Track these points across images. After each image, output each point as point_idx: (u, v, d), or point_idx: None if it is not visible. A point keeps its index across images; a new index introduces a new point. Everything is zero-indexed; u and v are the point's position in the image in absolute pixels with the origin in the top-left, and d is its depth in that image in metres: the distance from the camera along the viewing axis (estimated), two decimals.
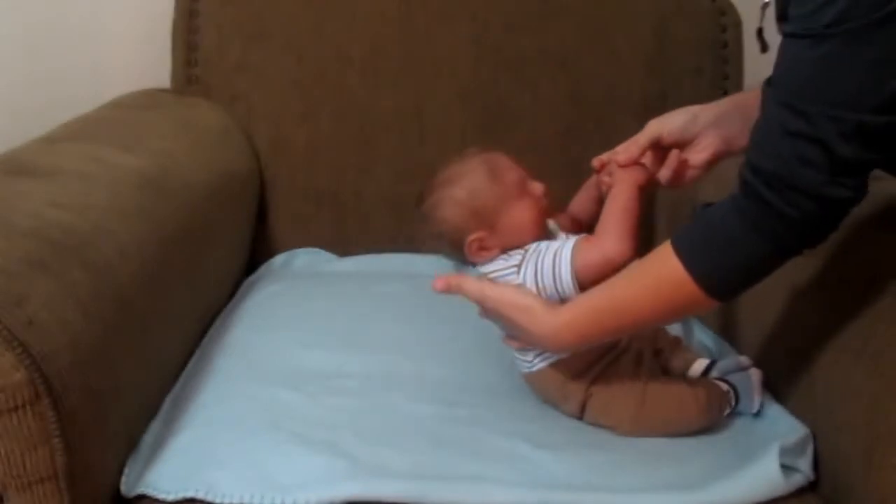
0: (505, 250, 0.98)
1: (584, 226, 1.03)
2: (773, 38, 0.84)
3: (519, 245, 0.98)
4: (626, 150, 0.98)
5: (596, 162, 1.01)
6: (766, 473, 0.87)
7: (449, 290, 0.95)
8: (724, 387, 1.00)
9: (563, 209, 1.08)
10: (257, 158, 1.47)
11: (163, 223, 1.08)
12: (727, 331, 1.18)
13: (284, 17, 1.48)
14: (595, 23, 1.50)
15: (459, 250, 0.99)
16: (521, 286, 0.95)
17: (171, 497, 0.85)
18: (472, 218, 0.98)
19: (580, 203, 1.07)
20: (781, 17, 0.80)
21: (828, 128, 0.75)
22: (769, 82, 0.80)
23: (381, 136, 1.48)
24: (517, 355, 1.01)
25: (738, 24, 1.51)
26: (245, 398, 1.00)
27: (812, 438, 0.92)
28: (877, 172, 0.82)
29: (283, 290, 1.33)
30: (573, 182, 1.08)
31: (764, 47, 0.93)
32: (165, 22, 1.47)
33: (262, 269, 1.44)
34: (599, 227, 0.96)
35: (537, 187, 1.00)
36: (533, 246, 0.98)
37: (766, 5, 0.88)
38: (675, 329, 1.12)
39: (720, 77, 1.52)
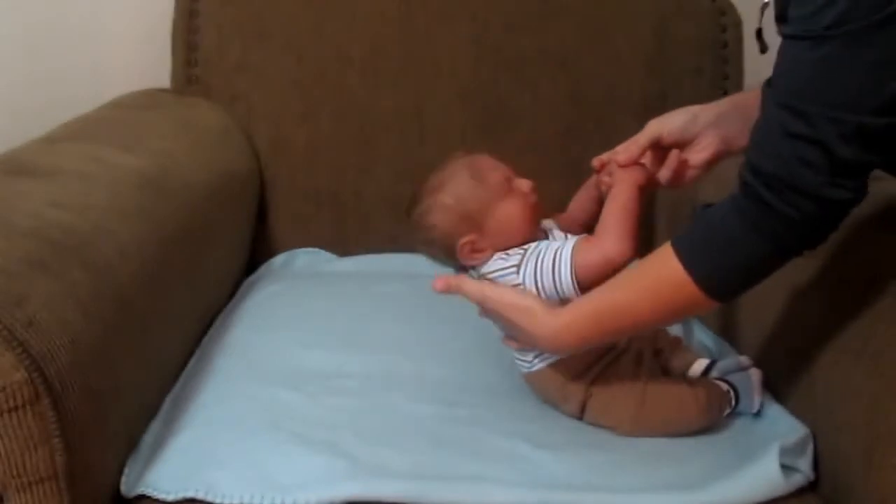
0: (498, 250, 0.98)
1: (584, 226, 1.03)
2: (773, 38, 0.84)
3: (512, 244, 0.98)
4: (626, 150, 0.98)
5: (596, 162, 1.01)
6: (766, 473, 0.87)
7: (449, 291, 0.95)
8: (724, 387, 1.00)
9: (563, 209, 1.08)
10: (257, 158, 1.47)
11: (163, 223, 1.08)
12: (727, 331, 1.18)
13: (284, 17, 1.48)
14: (595, 23, 1.50)
15: (453, 255, 0.99)
16: (520, 288, 0.95)
17: (171, 497, 0.85)
18: (460, 222, 0.98)
19: (580, 203, 1.07)
20: (781, 19, 0.80)
21: (828, 129, 0.75)
22: (769, 83, 0.80)
23: (381, 136, 1.48)
24: (517, 356, 1.01)
25: (738, 24, 1.51)
26: (245, 398, 1.00)
27: (812, 438, 0.92)
28: (877, 172, 0.82)
29: (283, 290, 1.33)
30: (573, 182, 1.08)
31: (763, 48, 0.93)
32: (165, 22, 1.47)
33: (262, 269, 1.44)
34: (599, 227, 0.96)
35: (523, 184, 1.00)
36: (533, 245, 0.98)
37: (765, 6, 0.88)
38: (675, 329, 1.12)
39: (720, 77, 1.52)
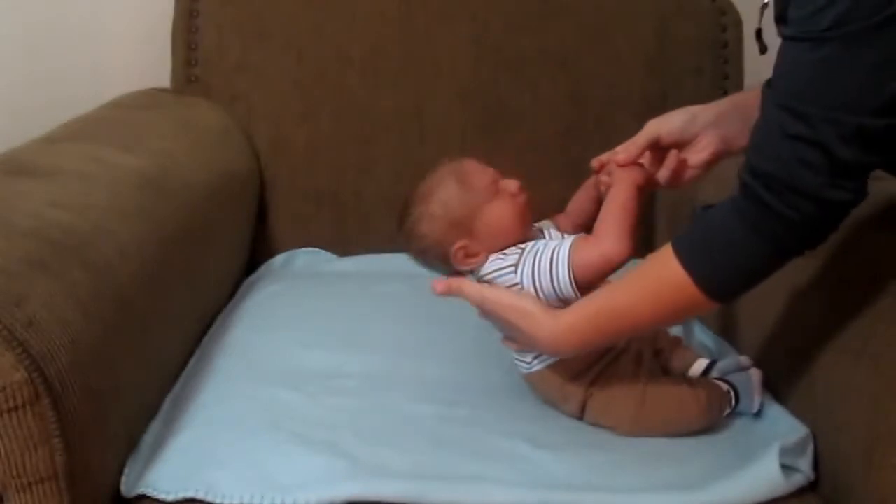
0: (492, 252, 0.98)
1: (583, 226, 1.03)
2: (773, 39, 0.84)
3: (505, 245, 0.98)
4: (625, 150, 0.98)
5: (595, 162, 1.01)
6: (767, 473, 0.87)
7: (449, 293, 0.95)
8: (725, 387, 1.00)
9: (563, 209, 1.08)
10: (257, 158, 1.47)
11: (163, 223, 1.08)
12: (727, 331, 1.18)
13: (284, 17, 1.48)
14: (595, 23, 1.50)
15: (447, 262, 0.99)
16: (518, 288, 0.95)
17: (171, 497, 0.85)
18: (451, 229, 0.98)
19: (578, 203, 1.07)
20: (780, 19, 0.80)
21: (827, 131, 0.75)
22: (769, 84, 0.80)
23: (381, 136, 1.48)
24: (516, 356, 1.01)
25: (738, 23, 1.51)
26: (245, 398, 1.00)
27: (812, 438, 0.92)
28: (877, 172, 0.82)
29: (283, 290, 1.33)
30: (573, 182, 1.08)
31: (763, 49, 0.93)
32: (165, 22, 1.47)
33: (262, 269, 1.44)
34: (598, 227, 0.96)
35: (510, 185, 1.00)
36: (530, 244, 0.98)
37: (764, 6, 0.88)
38: (675, 329, 1.12)
39: (720, 77, 1.52)
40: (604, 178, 1.00)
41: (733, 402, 0.99)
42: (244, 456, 0.89)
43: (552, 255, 0.95)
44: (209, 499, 0.85)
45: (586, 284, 0.94)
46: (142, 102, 1.43)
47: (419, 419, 0.98)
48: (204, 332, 1.19)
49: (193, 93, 1.47)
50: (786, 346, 1.04)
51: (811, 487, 0.90)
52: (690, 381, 1.01)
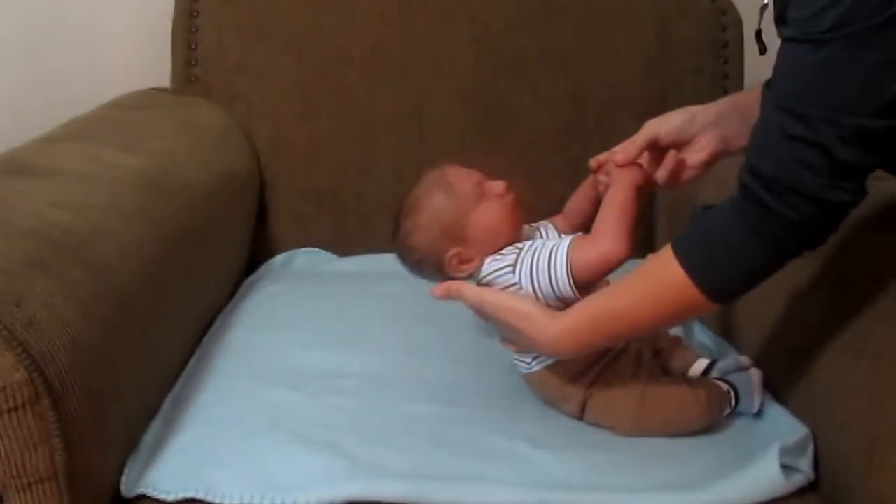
0: (486, 256, 0.98)
1: (581, 226, 1.03)
2: (773, 39, 0.84)
3: (498, 247, 0.98)
4: (623, 150, 0.98)
5: (593, 162, 1.01)
6: (767, 473, 0.87)
7: (449, 297, 0.95)
8: (725, 387, 1.00)
9: (562, 209, 1.08)
10: (257, 158, 1.47)
11: (163, 223, 1.08)
12: (727, 331, 1.18)
13: (284, 17, 1.48)
14: (595, 23, 1.50)
15: (443, 271, 0.99)
16: (516, 287, 0.95)
17: (171, 497, 0.85)
18: (441, 238, 0.98)
19: (576, 203, 1.07)
20: (780, 20, 0.80)
21: (827, 132, 0.75)
22: (768, 85, 0.80)
23: (381, 136, 1.48)
24: (515, 357, 1.01)
25: (738, 23, 1.51)
26: (245, 398, 1.00)
27: (812, 438, 0.92)
28: (877, 172, 0.82)
29: (283, 290, 1.33)
30: (573, 182, 1.08)
31: (762, 49, 0.93)
32: (165, 22, 1.47)
33: (262, 269, 1.44)
34: (597, 227, 0.96)
35: (496, 186, 1.00)
36: (528, 244, 0.98)
37: (764, 7, 0.88)
38: (675, 329, 1.12)
39: (720, 77, 1.52)
40: (602, 178, 1.00)
41: (733, 402, 0.99)
42: (244, 456, 0.89)
43: (550, 254, 0.95)
44: (209, 499, 0.85)
45: (584, 284, 0.94)
46: (142, 102, 1.43)
47: (419, 419, 0.98)
48: (204, 332, 1.19)
49: (193, 93, 1.47)
50: (786, 346, 1.04)
51: (811, 487, 0.90)
52: (690, 381, 1.01)
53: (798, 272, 0.96)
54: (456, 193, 0.99)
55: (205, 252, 1.20)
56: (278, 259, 1.47)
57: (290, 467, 0.87)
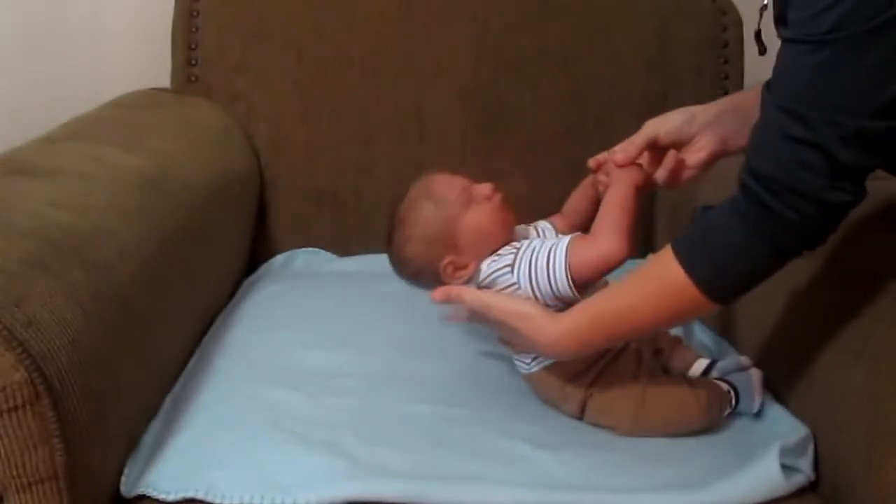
0: (481, 260, 0.98)
1: (579, 226, 1.04)
2: (772, 40, 0.84)
3: (492, 249, 0.98)
4: (623, 150, 0.99)
5: (592, 162, 1.01)
6: (767, 473, 0.87)
7: (449, 301, 0.96)
8: (725, 387, 1.00)
9: (560, 209, 1.08)
10: (257, 158, 1.47)
11: (163, 223, 1.08)
12: (727, 331, 1.18)
13: (284, 17, 1.48)
14: (595, 23, 1.50)
15: (440, 280, 0.99)
16: (514, 287, 0.95)
17: (171, 497, 0.85)
18: (434, 247, 0.98)
19: (575, 203, 1.07)
20: (779, 21, 0.80)
21: (827, 133, 0.75)
22: (768, 86, 0.80)
23: (381, 136, 1.48)
24: (515, 357, 1.02)
25: (738, 23, 1.51)
26: (245, 398, 1.00)
27: (812, 438, 0.92)
28: (877, 172, 0.82)
29: (283, 290, 1.33)
30: (573, 182, 1.08)
31: (762, 50, 0.93)
32: (165, 22, 1.47)
33: (262, 269, 1.44)
34: (596, 226, 0.96)
35: (483, 189, 1.00)
36: (525, 244, 0.98)
37: (764, 7, 0.88)
38: (675, 329, 1.12)
39: (720, 77, 1.52)
40: (602, 177, 1.00)
41: (733, 402, 0.99)
42: (244, 456, 0.89)
43: (549, 253, 0.95)
44: (209, 499, 0.85)
45: (583, 283, 0.94)
46: (142, 102, 1.43)
47: (419, 419, 0.98)
48: (204, 332, 1.19)
49: (193, 93, 1.47)
50: (786, 346, 1.04)
51: (811, 487, 0.90)
52: (690, 381, 1.01)
53: (798, 272, 0.96)
54: (442, 202, 0.99)
55: (205, 252, 1.20)
56: (278, 259, 1.47)
57: (290, 467, 0.87)
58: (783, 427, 0.95)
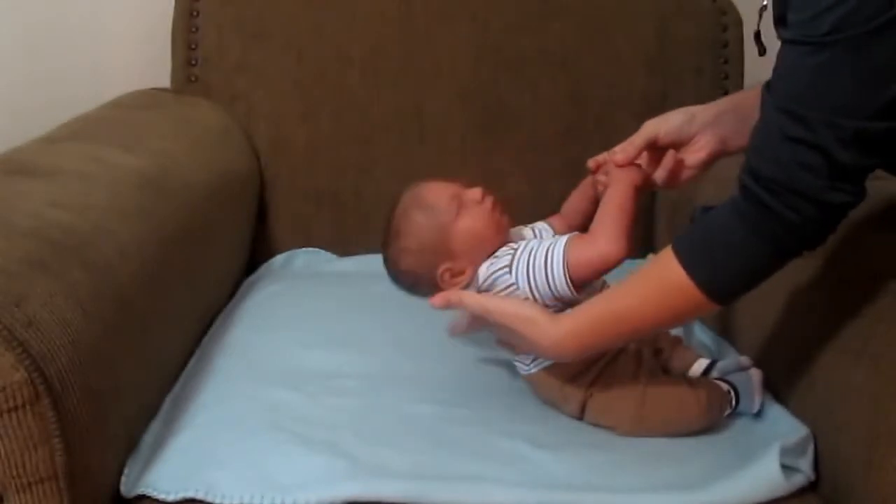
0: (477, 265, 0.98)
1: (578, 227, 1.03)
2: (772, 40, 0.84)
3: (488, 253, 0.98)
4: (622, 150, 0.99)
5: (591, 163, 1.01)
6: (767, 473, 0.87)
7: (449, 306, 0.96)
8: (725, 387, 1.00)
9: (559, 210, 1.08)
10: (257, 158, 1.47)
11: (163, 223, 1.08)
12: (727, 331, 1.18)
13: (284, 17, 1.48)
14: (595, 23, 1.50)
15: (438, 287, 0.99)
16: (513, 287, 0.95)
17: (171, 497, 0.85)
18: (429, 257, 0.98)
19: (574, 204, 1.07)
20: (779, 21, 0.80)
21: (827, 134, 0.75)
22: (768, 86, 0.80)
23: (381, 136, 1.48)
24: (514, 358, 1.02)
25: (738, 23, 1.51)
26: (245, 398, 1.00)
27: (812, 438, 0.92)
28: (877, 172, 0.82)
29: (283, 290, 1.33)
30: (573, 182, 1.08)
31: (761, 50, 0.93)
32: (165, 22, 1.47)
33: (262, 269, 1.44)
34: (595, 226, 0.96)
35: (473, 193, 1.00)
36: (523, 244, 0.98)
37: (763, 8, 0.88)
38: (675, 329, 1.12)
39: (720, 77, 1.52)
40: (601, 178, 1.00)
41: (733, 402, 0.99)
42: (244, 456, 0.89)
43: (547, 253, 0.95)
44: (209, 499, 0.85)
45: (581, 282, 0.94)
46: (142, 102, 1.43)
47: (419, 419, 0.98)
48: (204, 332, 1.19)
49: (193, 93, 1.47)
50: (786, 346, 1.04)
51: (811, 487, 0.90)
52: (690, 381, 1.01)
53: (798, 272, 0.96)
54: (433, 209, 0.99)
55: (205, 252, 1.20)
56: (278, 259, 1.47)
57: (290, 467, 0.87)
58: (783, 427, 0.95)
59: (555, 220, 1.07)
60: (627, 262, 0.94)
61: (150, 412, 0.98)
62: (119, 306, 0.90)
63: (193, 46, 1.47)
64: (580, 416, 1.00)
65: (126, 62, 1.57)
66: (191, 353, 1.13)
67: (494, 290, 0.97)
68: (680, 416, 0.98)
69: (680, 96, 1.44)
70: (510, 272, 0.96)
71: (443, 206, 0.99)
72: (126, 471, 0.88)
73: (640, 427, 0.97)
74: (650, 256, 1.41)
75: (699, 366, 1.04)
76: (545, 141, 1.49)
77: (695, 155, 0.99)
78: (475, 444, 0.93)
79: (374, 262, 1.34)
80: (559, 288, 0.94)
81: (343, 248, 1.48)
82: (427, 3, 1.49)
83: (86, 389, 0.79)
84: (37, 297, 0.79)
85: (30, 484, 0.76)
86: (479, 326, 1.00)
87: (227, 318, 1.23)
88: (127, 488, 0.87)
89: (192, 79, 1.47)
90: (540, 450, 0.92)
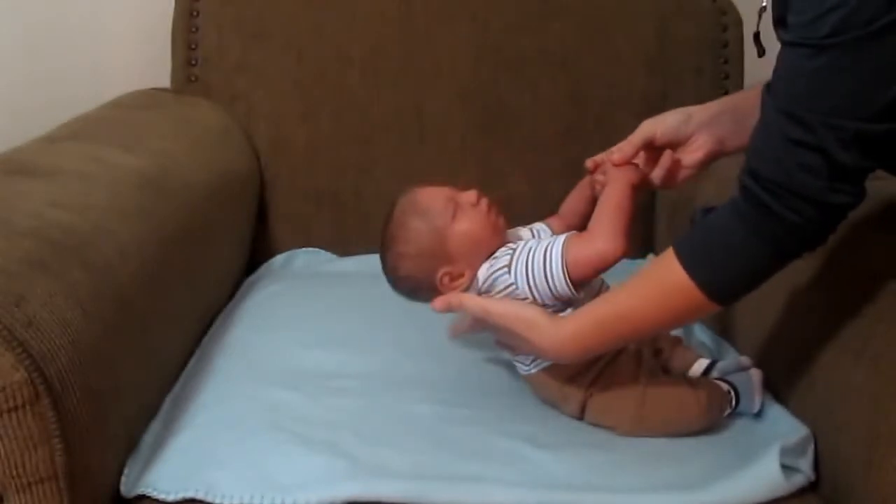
0: (476, 268, 0.98)
1: (576, 227, 1.03)
2: (771, 41, 0.84)
3: (486, 255, 0.98)
4: (619, 150, 0.99)
5: (589, 163, 1.01)
6: (767, 473, 0.87)
7: (450, 310, 0.96)
8: (725, 387, 1.00)
9: (558, 210, 1.08)
10: (257, 158, 1.47)
11: (163, 223, 1.08)
12: (727, 331, 1.18)
13: (284, 17, 1.48)
14: (595, 23, 1.50)
15: (438, 292, 0.99)
16: (513, 287, 0.95)
17: (171, 497, 0.85)
18: (427, 262, 0.98)
19: (572, 204, 1.07)
20: (778, 23, 0.80)
21: (827, 136, 0.75)
22: (768, 88, 0.80)
23: (381, 136, 1.48)
24: (514, 358, 1.02)
25: (738, 23, 1.51)
26: (245, 398, 1.00)
27: (813, 439, 0.92)
28: (877, 172, 0.82)
29: (283, 290, 1.33)
30: (573, 182, 1.08)
31: (761, 52, 0.93)
32: (165, 22, 1.47)
33: (262, 269, 1.44)
34: (592, 224, 0.96)
35: (468, 196, 1.00)
36: (521, 244, 0.98)
37: (762, 9, 0.88)
38: (675, 329, 1.12)
39: (720, 77, 1.52)
40: (599, 177, 1.00)
41: (733, 402, 0.99)
42: (244, 456, 0.89)
43: (546, 252, 0.95)
44: (209, 499, 0.85)
45: (580, 281, 0.94)
46: (142, 102, 1.43)
47: (419, 419, 0.98)
48: (204, 332, 1.19)
49: (193, 93, 1.47)
50: (786, 346, 1.04)
51: (811, 488, 0.90)
52: (690, 381, 1.01)
53: (798, 272, 0.96)
54: (429, 214, 0.99)
55: (205, 252, 1.20)
56: (278, 259, 1.47)
57: (290, 467, 0.87)
58: (783, 427, 0.95)
59: (553, 220, 1.07)
60: (628, 263, 0.94)
61: (150, 412, 0.98)
62: (119, 306, 0.90)
63: (193, 46, 1.47)
64: (580, 417, 1.00)
65: (126, 62, 1.57)
66: (191, 353, 1.13)
67: (494, 291, 0.97)
68: (680, 416, 0.98)
69: (680, 96, 1.44)
70: (509, 272, 0.96)
71: (438, 211, 0.99)
72: (126, 471, 0.88)
73: (640, 427, 0.97)
74: (650, 257, 1.42)
75: (699, 366, 1.04)
76: (545, 141, 1.49)
77: (692, 155, 0.99)
78: (475, 444, 0.93)
79: (374, 262, 1.35)
80: (558, 287, 0.94)
81: (343, 248, 1.48)
82: (427, 3, 1.49)
83: (86, 389, 0.79)
84: (37, 297, 0.79)
85: (30, 484, 0.76)
86: (480, 328, 1.00)
87: (227, 318, 1.23)
88: (127, 488, 0.87)
89: (192, 79, 1.47)
90: (540, 450, 0.92)
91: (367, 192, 1.48)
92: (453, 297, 0.96)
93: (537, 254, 0.95)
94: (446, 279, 0.98)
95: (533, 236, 1.04)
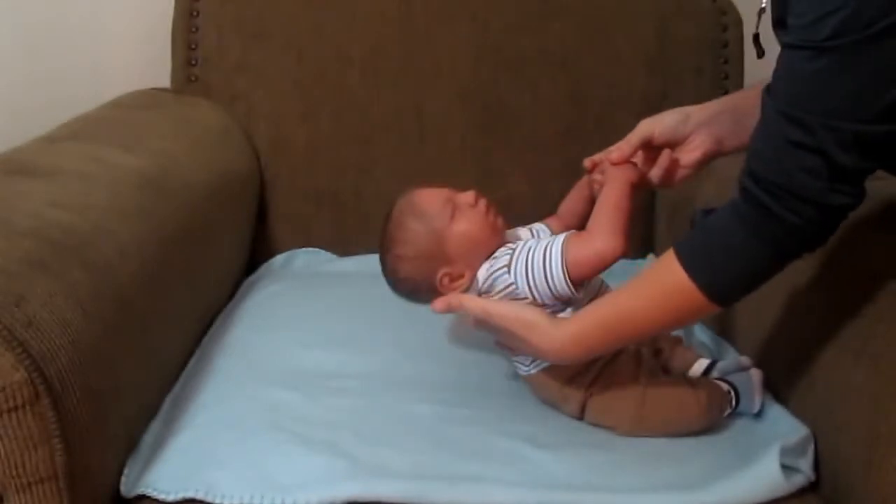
0: (475, 269, 0.98)
1: (574, 227, 1.03)
2: (771, 42, 0.84)
3: (485, 256, 0.98)
4: (618, 149, 0.99)
5: (588, 162, 1.01)
6: (767, 473, 0.87)
7: (450, 311, 0.96)
8: (725, 387, 1.00)
9: (558, 210, 1.08)
10: (257, 158, 1.47)
11: (163, 223, 1.08)
12: (727, 331, 1.18)
13: (284, 16, 1.48)
14: (595, 23, 1.50)
15: (438, 293, 0.99)
16: (512, 287, 0.95)
17: (171, 497, 0.85)
18: (426, 263, 0.98)
19: (570, 204, 1.07)
20: (778, 24, 0.80)
21: (827, 137, 0.75)
22: (768, 90, 0.80)
23: (381, 136, 1.48)
24: (514, 359, 1.02)
25: (738, 23, 1.51)
26: (245, 398, 1.00)
27: (813, 439, 0.92)
28: (877, 172, 0.82)
29: (283, 290, 1.33)
30: (573, 182, 1.08)
31: (760, 53, 0.93)
32: (165, 22, 1.47)
33: (262, 269, 1.44)
34: (591, 224, 0.96)
35: (466, 197, 1.00)
36: (520, 244, 0.98)
37: (762, 10, 0.88)
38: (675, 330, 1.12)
39: (720, 77, 1.52)
40: (597, 177, 1.00)
41: (734, 402, 0.99)
42: (244, 456, 0.89)
43: (545, 251, 0.95)
44: (209, 499, 0.85)
45: (579, 280, 0.94)
46: (142, 102, 1.43)
47: (419, 419, 0.98)
48: (204, 332, 1.19)
49: (193, 93, 1.47)
50: (786, 346, 1.04)
51: (812, 488, 0.90)
52: (690, 381, 1.01)
53: (798, 272, 0.96)
54: (427, 216, 0.99)
55: (205, 252, 1.20)
56: (278, 259, 1.47)
57: (290, 467, 0.87)
58: (783, 427, 0.95)
59: (552, 220, 1.07)
60: (628, 263, 0.94)
61: (150, 412, 0.98)
62: (119, 306, 0.90)
63: (193, 46, 1.47)
64: (580, 417, 1.00)
65: (126, 62, 1.57)
66: (191, 353, 1.13)
67: (494, 291, 0.97)
68: (680, 416, 0.98)
69: (680, 96, 1.45)
70: (509, 272, 0.96)
71: (436, 212, 0.99)
72: (126, 471, 0.88)
73: (640, 427, 0.97)
74: (650, 257, 1.42)
75: (699, 366, 1.04)
76: (545, 141, 1.49)
77: (689, 154, 0.99)
78: (475, 444, 0.93)
79: (374, 262, 1.35)
80: (558, 286, 0.94)
81: (343, 248, 1.48)
82: (427, 3, 1.49)
83: (86, 389, 0.79)
84: (37, 297, 0.79)
85: (30, 484, 0.76)
86: (481, 328, 1.00)
87: (227, 318, 1.24)
88: (127, 488, 0.87)
89: (192, 79, 1.47)
90: (540, 450, 0.92)
91: (367, 192, 1.48)
92: (453, 298, 0.96)
93: (537, 253, 0.95)
94: (446, 280, 0.98)
95: (532, 236, 1.04)
